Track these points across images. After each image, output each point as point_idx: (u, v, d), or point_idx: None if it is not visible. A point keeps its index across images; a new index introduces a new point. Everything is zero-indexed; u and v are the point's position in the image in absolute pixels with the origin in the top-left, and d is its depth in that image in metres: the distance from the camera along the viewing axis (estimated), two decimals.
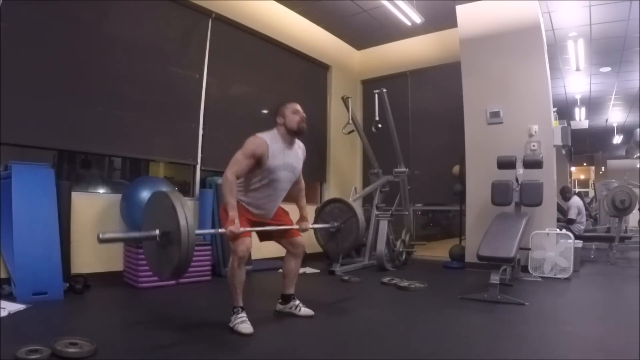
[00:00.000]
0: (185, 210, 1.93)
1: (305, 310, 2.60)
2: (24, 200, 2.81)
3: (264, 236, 2.59)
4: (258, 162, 2.31)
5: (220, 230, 2.25)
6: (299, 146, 2.56)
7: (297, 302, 2.63)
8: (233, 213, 2.20)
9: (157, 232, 1.97)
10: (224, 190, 2.25)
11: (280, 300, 2.66)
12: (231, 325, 2.24)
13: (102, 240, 1.83)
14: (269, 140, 2.33)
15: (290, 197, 2.67)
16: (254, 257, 4.13)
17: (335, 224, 3.15)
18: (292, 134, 2.43)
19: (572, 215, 6.00)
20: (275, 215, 2.55)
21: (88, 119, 3.52)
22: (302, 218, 2.67)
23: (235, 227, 2.17)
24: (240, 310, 2.29)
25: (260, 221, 2.47)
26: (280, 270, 2.69)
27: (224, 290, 2.41)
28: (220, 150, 4.27)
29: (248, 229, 2.31)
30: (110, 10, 3.70)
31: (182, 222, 1.88)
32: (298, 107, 2.46)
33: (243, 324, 2.22)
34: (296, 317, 2.57)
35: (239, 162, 2.26)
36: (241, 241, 2.24)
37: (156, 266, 2.15)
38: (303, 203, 2.72)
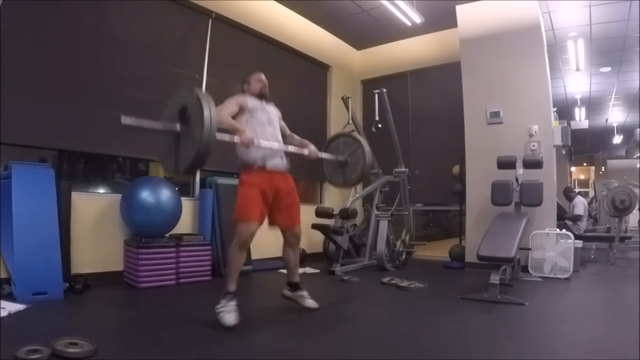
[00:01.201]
0: (210, 102, 2.02)
1: (311, 302, 2.69)
2: (24, 200, 2.81)
3: (272, 220, 2.63)
4: (240, 110, 2.56)
5: (235, 138, 2.36)
6: (272, 106, 2.79)
7: (305, 292, 2.72)
8: (237, 126, 2.40)
9: (178, 125, 2.06)
10: (222, 119, 2.35)
11: (287, 287, 2.77)
12: (217, 309, 2.27)
13: (124, 125, 1.92)
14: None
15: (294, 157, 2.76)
16: (253, 257, 4.13)
17: (342, 157, 3.13)
18: (256, 98, 2.69)
19: (579, 211, 6.01)
20: (281, 182, 2.59)
21: (88, 119, 3.51)
22: (303, 144, 2.81)
23: (245, 134, 2.35)
24: (232, 296, 2.31)
25: (273, 189, 2.53)
26: (281, 270, 2.70)
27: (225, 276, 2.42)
28: (220, 150, 4.24)
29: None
30: (110, 10, 3.70)
31: (207, 112, 1.96)
32: (262, 76, 2.75)
33: (229, 314, 2.24)
34: (295, 317, 2.58)
35: (224, 105, 2.50)
36: (247, 225, 2.32)
37: (173, 160, 2.18)
38: (299, 139, 2.88)
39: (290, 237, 2.68)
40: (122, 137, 3.78)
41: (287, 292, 2.78)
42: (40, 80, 3.24)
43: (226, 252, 3.96)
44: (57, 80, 3.34)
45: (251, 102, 2.63)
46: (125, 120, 1.92)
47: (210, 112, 1.99)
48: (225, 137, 2.30)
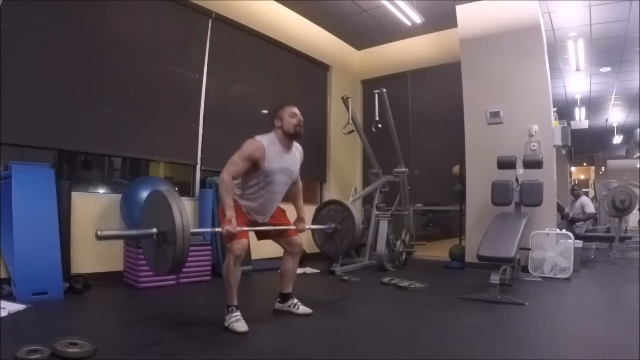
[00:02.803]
0: (181, 209, 1.95)
1: (303, 309, 2.62)
2: (24, 200, 2.81)
3: (261, 235, 2.61)
4: (255, 165, 2.32)
5: (217, 229, 2.28)
6: (297, 148, 2.57)
7: (296, 300, 2.65)
8: (230, 213, 2.23)
9: (155, 230, 2.00)
10: (220, 190, 2.28)
11: (278, 299, 2.69)
12: (225, 324, 2.26)
13: (100, 237, 1.87)
14: (267, 144, 2.35)
15: (288, 198, 2.66)
16: (253, 257, 4.13)
17: (332, 225, 3.16)
18: (289, 137, 2.43)
19: (592, 209, 6.15)
20: (273, 215, 2.56)
21: (88, 119, 3.51)
22: (299, 219, 2.69)
23: (232, 226, 2.19)
24: (235, 309, 2.30)
25: (258, 221, 2.50)
26: (280, 270, 2.69)
27: (224, 290, 2.41)
28: (220, 150, 4.26)
29: (245, 228, 2.33)
30: (110, 10, 3.71)
31: (178, 221, 1.91)
32: (295, 110, 2.46)
33: (238, 322, 2.23)
34: (295, 317, 2.57)
35: (235, 163, 2.29)
36: (238, 240, 2.27)
37: (153, 263, 2.18)
38: (300, 204, 2.73)
39: (288, 245, 2.58)
40: (122, 137, 3.79)
41: (278, 306, 2.67)
42: (40, 81, 3.24)
43: (226, 251, 3.97)
44: (57, 80, 3.34)
45: (271, 159, 2.33)
46: (102, 233, 1.88)
47: (182, 219, 1.91)
48: (206, 231, 2.39)
